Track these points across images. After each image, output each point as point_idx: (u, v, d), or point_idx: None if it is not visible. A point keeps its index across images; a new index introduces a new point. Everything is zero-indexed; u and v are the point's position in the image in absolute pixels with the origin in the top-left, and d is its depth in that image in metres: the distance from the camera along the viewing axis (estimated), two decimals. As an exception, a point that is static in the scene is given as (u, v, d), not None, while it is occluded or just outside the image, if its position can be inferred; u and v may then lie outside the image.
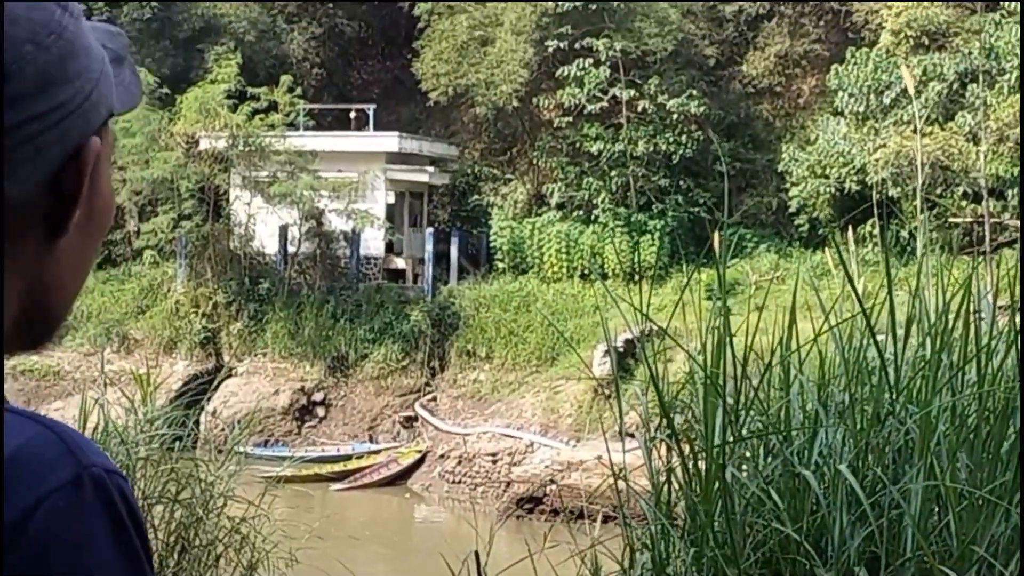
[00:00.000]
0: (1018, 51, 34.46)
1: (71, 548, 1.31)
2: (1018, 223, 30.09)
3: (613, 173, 38.90)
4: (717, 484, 3.86)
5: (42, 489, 1.31)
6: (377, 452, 34.79)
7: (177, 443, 9.41)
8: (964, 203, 32.77)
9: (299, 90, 39.69)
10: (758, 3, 41.37)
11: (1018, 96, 33.99)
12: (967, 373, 3.99)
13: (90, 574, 1.34)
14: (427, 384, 37.08)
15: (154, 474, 8.62)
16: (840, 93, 37.21)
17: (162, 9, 40.82)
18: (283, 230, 39.01)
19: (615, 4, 38.85)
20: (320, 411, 37.05)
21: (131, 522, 1.37)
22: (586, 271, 37.18)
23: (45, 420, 1.38)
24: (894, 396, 3.95)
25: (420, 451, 34.44)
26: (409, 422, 36.22)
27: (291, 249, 39.13)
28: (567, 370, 31.78)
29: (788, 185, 37.46)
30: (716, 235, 6.91)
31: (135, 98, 1.66)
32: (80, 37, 1.54)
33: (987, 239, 28.68)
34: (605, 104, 38.62)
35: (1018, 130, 33.29)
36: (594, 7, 38.73)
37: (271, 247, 39.18)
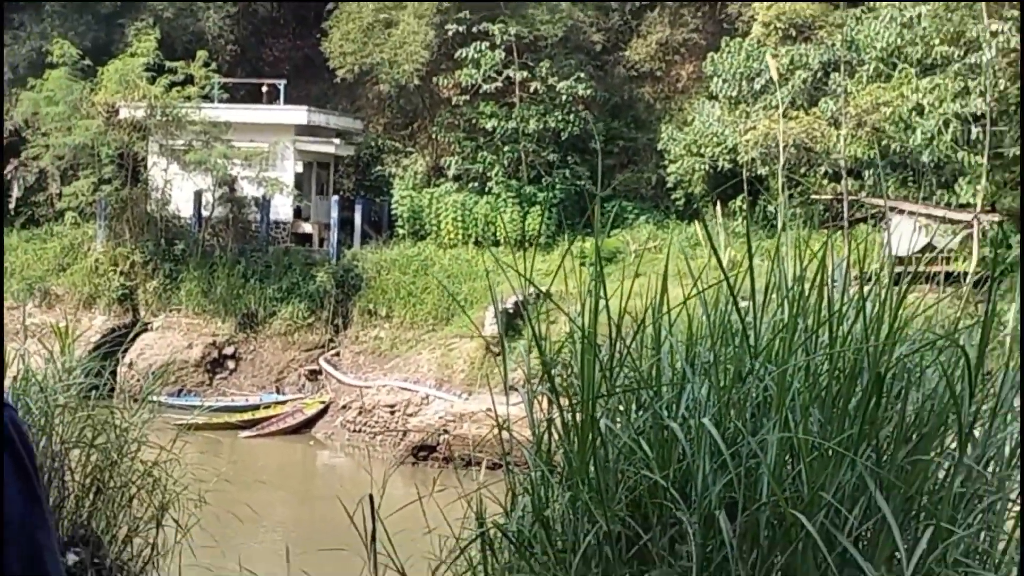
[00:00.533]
0: (876, 43, 34.84)
1: (11, 479, 1.38)
2: (875, 200, 30.49)
3: (506, 148, 38.92)
4: (592, 434, 3.89)
5: None
6: (283, 403, 34.72)
7: (94, 392, 9.31)
8: (825, 182, 33.10)
9: (214, 65, 39.24)
10: (642, 14, 41.55)
11: (875, 85, 34.37)
12: (820, 336, 4.05)
13: (13, 509, 1.38)
14: (331, 340, 36.98)
15: (71, 420, 8.53)
16: (715, 79, 37.46)
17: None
18: (198, 195, 38.72)
19: (511, -9, 38.99)
20: (230, 364, 36.89)
21: (23, 451, 1.42)
22: (479, 238, 37.21)
23: None
24: (754, 356, 4.00)
25: (323, 402, 34.37)
26: (313, 375, 36.13)
27: (205, 213, 38.84)
28: (460, 329, 31.84)
29: (667, 162, 37.64)
30: (594, 207, 6.99)
31: None
32: None
33: (845, 215, 28.96)
34: (500, 84, 38.61)
35: (875, 115, 33.67)
36: (489, -5, 38.85)
37: (186, 211, 38.86)
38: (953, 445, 3.88)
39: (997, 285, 4.81)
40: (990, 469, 4.01)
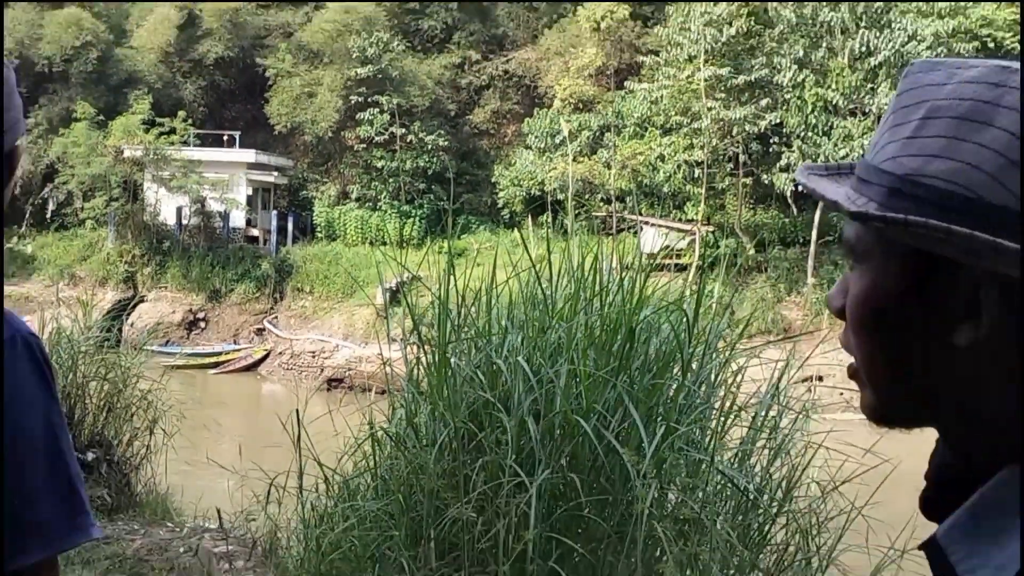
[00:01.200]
0: (634, 113, 35.15)
1: (15, 378, 1.27)
2: (632, 216, 30.83)
3: (391, 180, 38.66)
4: (445, 368, 3.91)
5: None
6: (239, 350, 34.21)
7: (106, 343, 9.20)
8: (601, 204, 33.36)
9: (190, 120, 38.43)
10: (480, 77, 41.57)
11: (633, 140, 34.73)
12: (595, 304, 4.09)
13: (21, 394, 1.28)
14: (271, 308, 36.54)
15: (90, 362, 8.40)
16: (529, 135, 37.55)
17: (99, 64, 39.70)
18: (179, 210, 38.00)
19: (394, 74, 38.67)
20: (202, 324, 36.25)
21: (43, 363, 1.33)
22: (372, 240, 36.88)
23: None
24: (551, 316, 4.03)
25: (266, 350, 33.92)
26: (260, 332, 35.65)
27: (184, 222, 38.26)
28: (359, 300, 31.58)
29: (498, 190, 37.65)
30: (448, 219, 7.04)
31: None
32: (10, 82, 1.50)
33: (613, 226, 29.32)
34: (386, 137, 38.29)
35: (633, 161, 34.06)
36: (380, 75, 38.48)
37: (171, 220, 38.10)
38: (678, 373, 3.96)
39: (708, 271, 4.94)
40: (702, 388, 4.10)
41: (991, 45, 31.85)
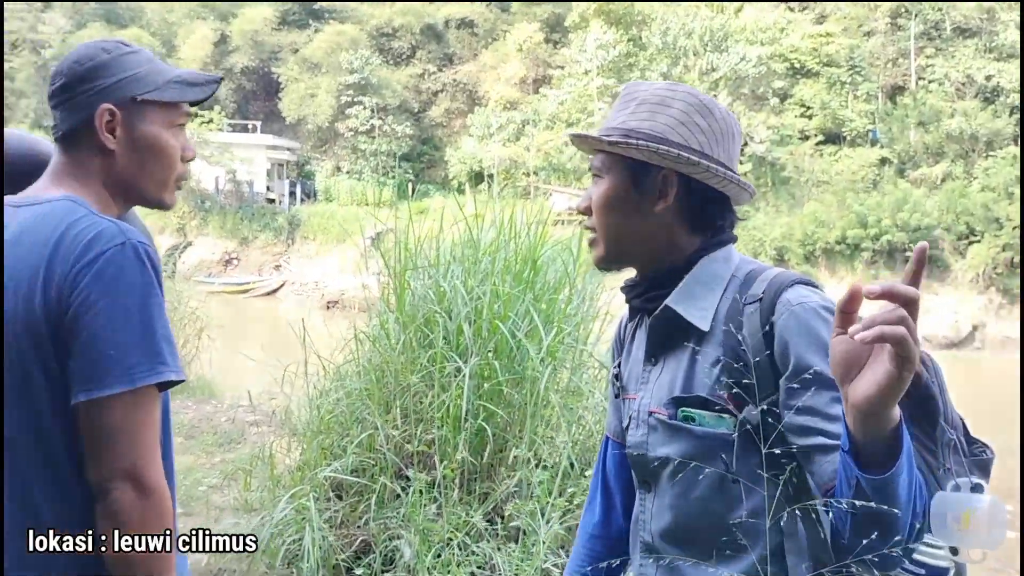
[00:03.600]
0: (547, 111, 34.81)
1: (120, 268, 1.26)
2: (546, 186, 30.70)
3: (372, 158, 38.05)
4: (404, 289, 3.91)
5: (109, 245, 1.27)
6: (262, 280, 33.51)
7: (164, 274, 9.04)
8: (523, 176, 33.25)
9: (223, 113, 37.55)
10: (436, 83, 40.90)
11: (548, 131, 34.49)
12: (511, 244, 4.09)
13: (123, 279, 1.26)
14: (285, 251, 35.81)
15: (155, 288, 8.30)
16: (472, 126, 37.15)
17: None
18: (216, 179, 36.85)
19: (373, 80, 37.94)
20: (235, 262, 35.21)
21: (148, 263, 1.29)
22: (358, 203, 36.39)
23: (115, 221, 1.32)
24: (480, 254, 4.03)
25: (283, 281, 33.44)
26: (277, 268, 34.89)
27: (221, 187, 37.24)
28: (350, 245, 31.29)
29: (450, 167, 37.24)
30: (413, 187, 6.99)
31: (185, 94, 1.48)
32: (117, 61, 1.43)
33: (531, 193, 29.31)
34: (368, 127, 37.63)
35: (546, 146, 33.84)
36: (363, 82, 37.75)
37: (211, 186, 36.97)
38: (567, 292, 4.02)
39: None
40: (586, 302, 4.18)
41: (796, 65, 32.08)
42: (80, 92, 1.41)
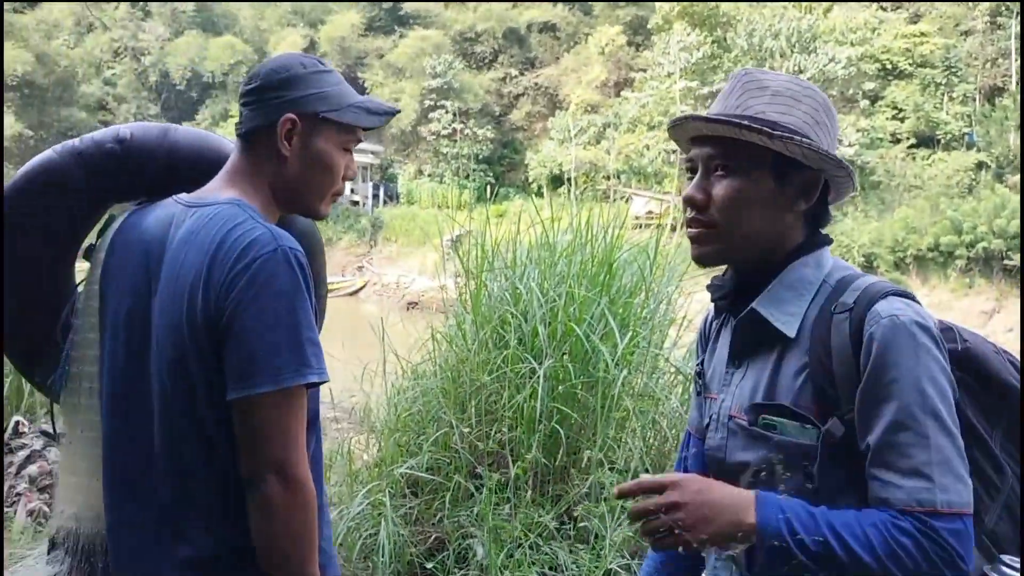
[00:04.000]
0: (627, 115, 34.55)
1: (271, 273, 1.31)
2: (625, 189, 30.46)
3: (454, 161, 38.50)
4: (482, 290, 3.93)
5: (262, 251, 1.32)
6: (346, 281, 34.12)
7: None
8: (603, 180, 33.09)
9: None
10: (518, 87, 41.09)
11: (628, 135, 34.24)
12: (587, 247, 4.07)
13: (274, 283, 1.31)
14: (368, 252, 36.51)
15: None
16: (553, 130, 37.19)
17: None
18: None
19: (455, 84, 38.36)
20: (320, 263, 36.47)
21: (298, 268, 1.33)
22: (439, 205, 36.82)
23: (271, 227, 1.37)
24: (556, 256, 4.03)
25: (365, 281, 34.04)
26: (360, 269, 35.59)
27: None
28: (430, 247, 31.60)
29: (530, 170, 37.31)
30: (495, 191, 7.01)
31: (361, 120, 1.54)
32: (310, 77, 1.49)
33: (611, 196, 29.15)
34: (450, 131, 38.10)
35: (627, 149, 33.59)
36: (445, 86, 38.21)
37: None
38: (643, 296, 3.98)
39: (680, 227, 4.91)
40: (662, 306, 4.14)
41: (888, 66, 31.05)
42: (271, 97, 1.47)
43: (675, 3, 34.35)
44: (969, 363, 1.30)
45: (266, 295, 1.31)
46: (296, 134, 1.48)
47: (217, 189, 1.48)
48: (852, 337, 1.20)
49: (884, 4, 33.73)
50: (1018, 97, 28.72)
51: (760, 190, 1.30)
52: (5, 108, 36.71)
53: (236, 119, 1.52)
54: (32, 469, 3.94)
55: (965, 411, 1.25)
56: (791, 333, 1.27)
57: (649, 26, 36.71)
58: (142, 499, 1.41)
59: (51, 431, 1.84)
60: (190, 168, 1.64)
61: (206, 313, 1.32)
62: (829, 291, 1.28)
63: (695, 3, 34.07)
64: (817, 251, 1.32)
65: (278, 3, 45.05)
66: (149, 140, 1.66)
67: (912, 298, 1.25)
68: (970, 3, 31.56)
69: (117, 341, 1.44)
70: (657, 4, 35.56)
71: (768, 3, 32.53)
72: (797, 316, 1.28)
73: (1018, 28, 30.02)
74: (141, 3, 45.94)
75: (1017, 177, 27.19)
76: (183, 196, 1.48)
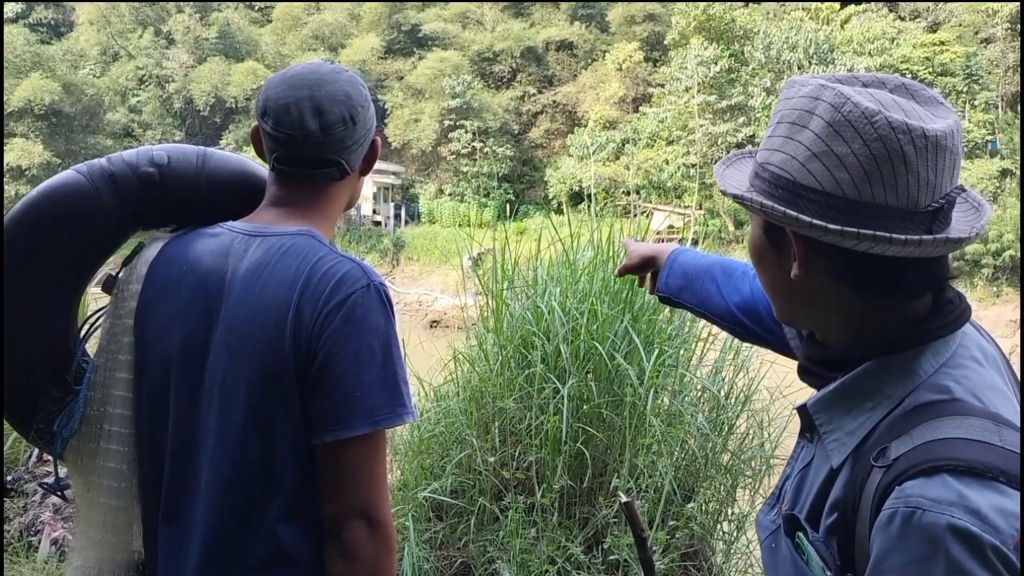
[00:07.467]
0: (646, 130, 34.52)
1: (366, 310, 1.26)
2: (646, 205, 30.37)
3: (474, 180, 38.65)
4: (502, 309, 3.89)
5: (355, 287, 1.29)
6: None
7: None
8: (623, 195, 33.04)
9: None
10: (536, 105, 41.21)
11: (647, 150, 34.19)
12: (609, 264, 4.03)
13: (369, 321, 1.28)
14: (391, 271, 36.76)
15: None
16: (571, 147, 37.28)
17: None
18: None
19: (474, 104, 38.54)
20: (343, 283, 36.66)
21: (388, 304, 1.30)
22: (460, 223, 36.95)
23: (356, 259, 1.35)
24: (577, 274, 3.98)
25: (387, 301, 34.18)
26: (382, 287, 35.94)
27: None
28: (452, 266, 31.66)
29: (550, 187, 37.41)
30: (515, 207, 6.99)
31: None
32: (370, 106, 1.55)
33: (632, 211, 29.08)
34: (470, 149, 38.27)
35: (646, 164, 33.51)
36: (465, 106, 38.39)
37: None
38: (667, 311, 3.90)
39: (701, 241, 4.84)
40: (687, 323, 4.05)
41: (908, 75, 30.82)
42: (364, 129, 1.48)
43: (691, 20, 34.33)
44: None
45: (361, 333, 1.26)
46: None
47: (278, 219, 1.38)
48: (874, 509, 0.89)
49: (903, 13, 33.53)
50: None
51: (756, 245, 1.09)
52: (33, 137, 37.30)
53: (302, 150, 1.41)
54: (56, 498, 3.91)
55: None
56: (835, 462, 0.99)
57: (666, 41, 36.74)
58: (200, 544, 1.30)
59: (48, 484, 1.69)
60: (232, 194, 1.52)
61: (296, 353, 1.25)
62: (898, 418, 0.94)
63: (711, 19, 34.04)
64: (909, 352, 0.97)
65: (299, 29, 45.58)
66: (188, 165, 1.50)
67: (999, 480, 0.82)
68: (989, 10, 31.28)
69: (178, 378, 1.32)
70: (674, 20, 35.59)
71: (785, 15, 32.44)
72: (856, 437, 0.98)
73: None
74: (165, 32, 46.65)
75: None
76: (235, 224, 1.38)
